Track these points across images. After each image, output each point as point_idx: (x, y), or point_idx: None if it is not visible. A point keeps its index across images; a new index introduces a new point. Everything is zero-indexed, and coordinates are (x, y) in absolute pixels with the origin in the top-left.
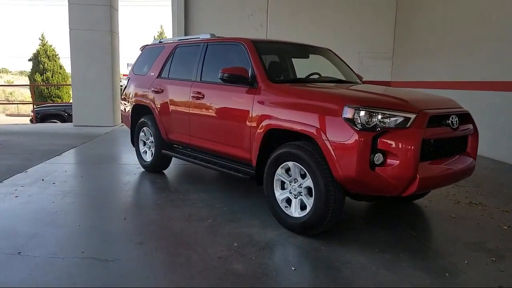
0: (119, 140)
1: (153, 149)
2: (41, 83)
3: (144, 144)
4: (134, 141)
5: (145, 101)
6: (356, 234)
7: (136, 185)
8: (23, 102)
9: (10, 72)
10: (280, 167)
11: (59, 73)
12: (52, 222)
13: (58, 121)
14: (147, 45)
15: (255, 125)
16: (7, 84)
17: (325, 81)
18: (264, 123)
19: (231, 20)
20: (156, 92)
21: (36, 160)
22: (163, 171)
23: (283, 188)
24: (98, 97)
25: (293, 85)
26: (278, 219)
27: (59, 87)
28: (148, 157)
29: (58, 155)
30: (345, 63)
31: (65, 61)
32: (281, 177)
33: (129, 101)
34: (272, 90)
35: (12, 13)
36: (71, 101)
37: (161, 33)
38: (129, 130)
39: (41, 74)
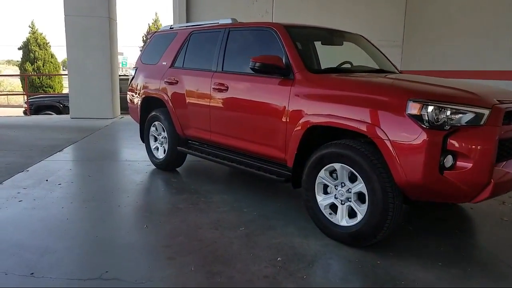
0: (122, 134)
1: (166, 146)
2: (32, 73)
3: (155, 139)
4: (144, 136)
5: (157, 93)
6: (409, 243)
7: (150, 185)
8: (14, 92)
9: None
10: (323, 169)
11: (51, 62)
12: (65, 233)
13: (53, 113)
14: (156, 31)
15: (292, 121)
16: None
17: (364, 70)
18: (303, 120)
19: (234, 7)
20: (170, 83)
21: (36, 157)
22: (177, 168)
23: (326, 192)
24: (97, 88)
25: (339, 76)
26: (320, 227)
27: (51, 77)
28: (160, 154)
29: (59, 151)
30: (379, 51)
31: (57, 50)
32: (324, 180)
33: (137, 93)
34: (312, 82)
35: None
36: (65, 91)
37: (156, 21)
38: (133, 122)
39: (32, 63)
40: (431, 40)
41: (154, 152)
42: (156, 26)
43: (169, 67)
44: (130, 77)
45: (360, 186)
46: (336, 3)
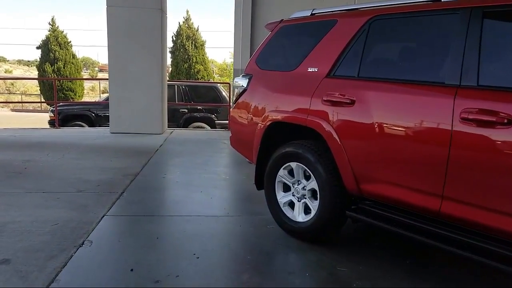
0: (188, 159)
1: (310, 202)
2: (52, 75)
3: (287, 189)
4: (265, 182)
5: (303, 117)
6: None
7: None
8: (42, 101)
9: (8, 61)
10: None
11: (72, 63)
12: None
13: (85, 124)
14: (282, 20)
15: None
16: (26, 77)
17: None
18: None
19: (306, 1)
20: (335, 104)
21: (92, 209)
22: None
23: None
24: (144, 96)
25: None
26: None
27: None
28: (298, 215)
29: (121, 194)
30: None
31: (77, 50)
32: None
33: (255, 114)
34: None
35: None
36: (85, 95)
37: (187, 19)
38: (193, 141)
39: (52, 64)
40: None
41: (285, 209)
42: (187, 25)
43: (325, 77)
44: (238, 90)
45: None
46: None
